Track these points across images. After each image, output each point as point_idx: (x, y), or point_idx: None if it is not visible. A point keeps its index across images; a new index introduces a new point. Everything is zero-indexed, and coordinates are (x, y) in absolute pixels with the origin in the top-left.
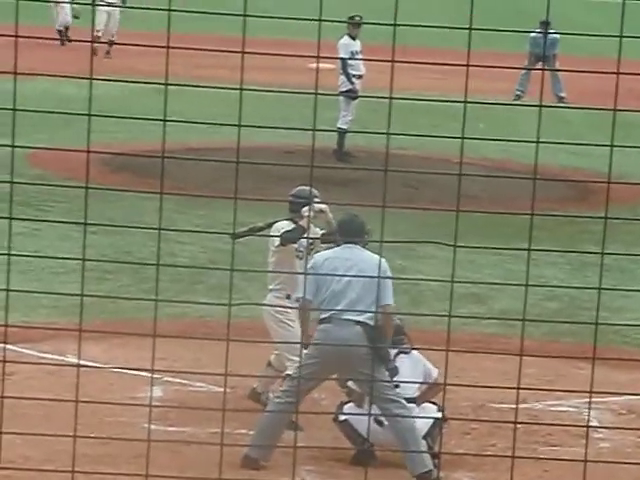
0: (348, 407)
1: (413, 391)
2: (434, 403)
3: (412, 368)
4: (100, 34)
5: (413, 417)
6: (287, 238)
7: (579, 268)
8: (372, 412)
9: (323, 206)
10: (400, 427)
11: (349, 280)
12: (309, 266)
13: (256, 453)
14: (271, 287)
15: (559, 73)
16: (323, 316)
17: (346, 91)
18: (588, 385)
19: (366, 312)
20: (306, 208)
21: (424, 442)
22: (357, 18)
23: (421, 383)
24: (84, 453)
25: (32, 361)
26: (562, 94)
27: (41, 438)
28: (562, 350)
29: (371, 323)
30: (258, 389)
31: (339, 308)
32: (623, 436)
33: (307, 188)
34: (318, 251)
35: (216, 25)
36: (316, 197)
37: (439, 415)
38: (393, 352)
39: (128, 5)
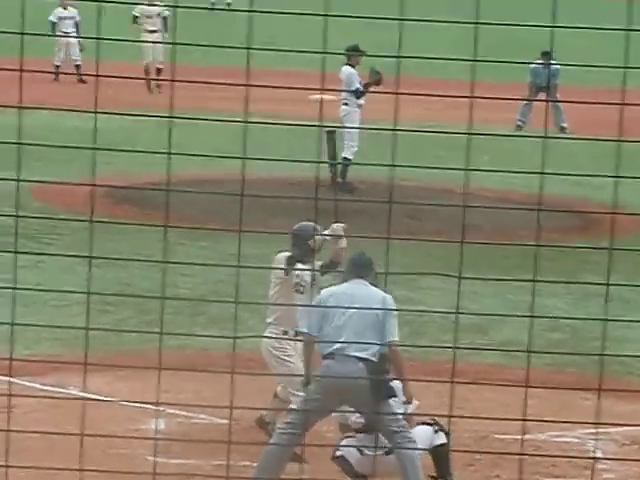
0: (346, 442)
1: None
2: (431, 424)
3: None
4: (145, 65)
5: (421, 449)
6: (293, 259)
7: (581, 298)
8: (377, 444)
9: (340, 229)
10: (402, 457)
11: (352, 316)
12: (315, 302)
13: None
14: (269, 321)
15: (561, 104)
16: (326, 352)
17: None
18: (591, 416)
19: (369, 348)
20: (328, 230)
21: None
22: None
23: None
24: None
25: (35, 394)
26: (564, 124)
27: (45, 471)
28: (564, 381)
29: (374, 359)
30: (266, 418)
31: (343, 344)
32: (627, 467)
33: (310, 224)
34: (320, 286)
35: (220, 57)
36: (318, 231)
37: (442, 441)
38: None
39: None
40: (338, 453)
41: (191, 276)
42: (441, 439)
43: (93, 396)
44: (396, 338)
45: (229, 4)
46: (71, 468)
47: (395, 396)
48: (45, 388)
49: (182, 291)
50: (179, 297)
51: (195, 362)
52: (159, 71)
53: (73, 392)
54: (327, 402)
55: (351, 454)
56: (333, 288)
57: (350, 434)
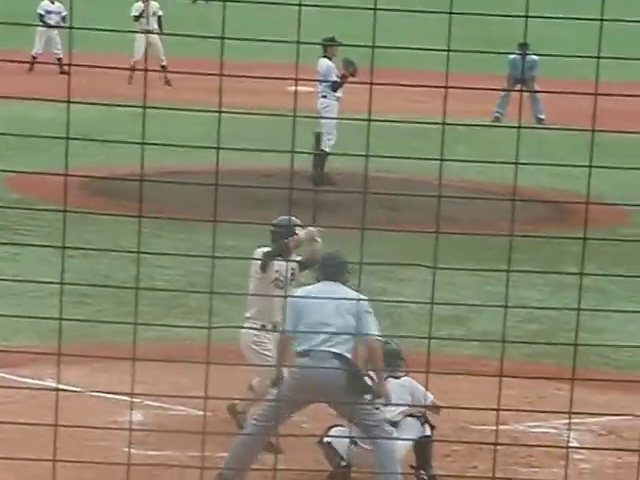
0: (334, 431)
1: (394, 414)
2: (417, 417)
3: (397, 392)
4: (133, 62)
5: (403, 439)
6: (270, 254)
7: (558, 289)
8: (353, 435)
9: (315, 232)
10: (379, 449)
11: (327, 314)
12: (290, 304)
13: (230, 473)
14: (247, 315)
15: (538, 95)
16: (301, 349)
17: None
18: (568, 406)
19: (344, 345)
20: (303, 232)
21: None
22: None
23: (408, 406)
24: (65, 477)
25: (11, 385)
26: (541, 116)
27: (21, 463)
28: (542, 371)
29: (349, 356)
30: (238, 407)
31: (317, 340)
32: (603, 457)
33: (288, 218)
34: (299, 282)
35: (194, 48)
36: (297, 225)
37: (427, 433)
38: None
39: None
40: (326, 440)
41: (169, 268)
42: (426, 431)
43: (70, 388)
44: (375, 334)
45: None
46: (44, 459)
47: (371, 392)
48: (22, 380)
49: (159, 283)
50: (154, 288)
51: (173, 354)
52: (164, 68)
53: (50, 384)
54: (302, 397)
55: (341, 444)
56: (307, 288)
57: (341, 424)
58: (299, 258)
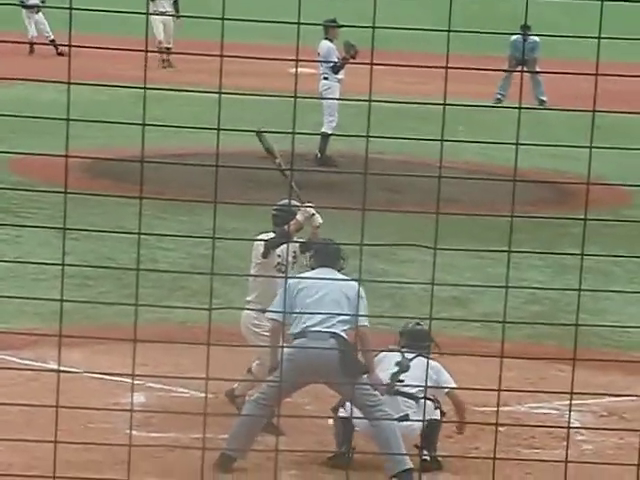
0: (348, 406)
1: (415, 390)
2: (432, 400)
3: (422, 370)
4: (158, 44)
5: (404, 420)
6: (272, 244)
7: (560, 271)
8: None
9: (313, 211)
10: (381, 429)
11: (321, 298)
12: (283, 289)
13: (231, 453)
14: (248, 299)
15: (540, 76)
16: (296, 331)
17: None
18: (569, 387)
19: (340, 326)
20: (300, 213)
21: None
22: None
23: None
24: (67, 459)
25: (13, 367)
26: (543, 97)
27: (24, 444)
28: (543, 353)
29: (345, 336)
30: (236, 391)
31: (313, 321)
32: (604, 438)
33: (290, 202)
34: (301, 264)
35: (195, 30)
36: (296, 206)
37: (437, 417)
38: (410, 355)
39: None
40: (342, 414)
41: (171, 250)
42: (435, 415)
43: (72, 369)
44: (366, 324)
45: None
46: (46, 440)
47: (366, 371)
48: (24, 362)
49: (161, 265)
50: (156, 269)
51: (175, 336)
52: (168, 50)
53: (52, 366)
54: (301, 378)
55: (360, 421)
56: (301, 275)
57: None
58: (302, 239)
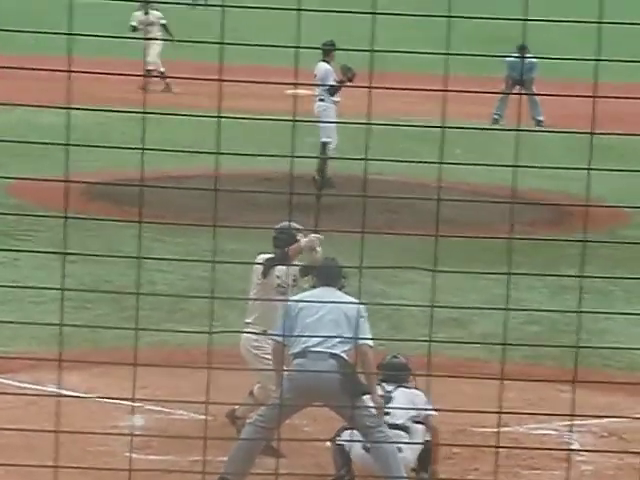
0: (346, 434)
1: (404, 419)
2: (423, 423)
3: (406, 398)
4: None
5: (402, 442)
6: (270, 261)
7: (558, 291)
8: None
9: (316, 241)
10: (382, 452)
11: (322, 318)
12: (284, 311)
13: (230, 476)
14: (248, 321)
15: (537, 98)
16: (296, 351)
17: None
18: (569, 408)
19: (340, 346)
20: (304, 240)
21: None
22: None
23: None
24: None
25: (12, 391)
26: (540, 118)
27: (23, 469)
28: (543, 374)
29: (345, 357)
30: (237, 413)
31: (313, 341)
32: (605, 459)
33: (291, 225)
34: (300, 288)
35: (194, 53)
36: (298, 230)
37: (429, 438)
38: (390, 387)
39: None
40: (338, 442)
41: (169, 273)
42: (429, 436)
43: (71, 393)
44: (369, 343)
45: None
46: (46, 465)
47: (369, 393)
48: (23, 385)
49: (160, 287)
50: (154, 293)
51: (174, 359)
52: (162, 74)
53: (50, 389)
54: (300, 399)
55: (354, 448)
56: (303, 294)
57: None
58: (301, 263)
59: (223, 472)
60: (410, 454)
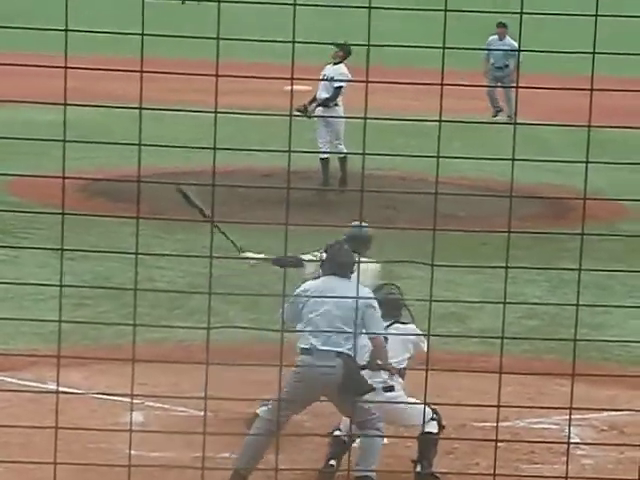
0: (346, 423)
1: (399, 362)
2: (432, 411)
3: (403, 339)
4: None
5: (416, 402)
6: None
7: (558, 285)
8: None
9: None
10: (368, 445)
11: (330, 310)
12: (294, 294)
13: (245, 470)
14: None
15: (512, 94)
16: (303, 346)
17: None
18: (569, 402)
19: (346, 343)
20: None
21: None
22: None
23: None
24: None
25: (12, 389)
26: (510, 115)
27: (23, 465)
28: (542, 367)
29: (351, 354)
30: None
31: (320, 339)
32: (605, 453)
33: (361, 227)
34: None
35: (191, 49)
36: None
37: (434, 429)
38: (387, 322)
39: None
40: (337, 433)
41: (168, 269)
42: (432, 427)
43: (71, 390)
44: (379, 330)
45: None
46: (45, 462)
47: (373, 390)
48: (23, 382)
49: (160, 284)
50: (154, 289)
51: (174, 355)
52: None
53: (51, 386)
54: (305, 396)
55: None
56: (311, 282)
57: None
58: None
59: (236, 467)
60: (419, 413)
